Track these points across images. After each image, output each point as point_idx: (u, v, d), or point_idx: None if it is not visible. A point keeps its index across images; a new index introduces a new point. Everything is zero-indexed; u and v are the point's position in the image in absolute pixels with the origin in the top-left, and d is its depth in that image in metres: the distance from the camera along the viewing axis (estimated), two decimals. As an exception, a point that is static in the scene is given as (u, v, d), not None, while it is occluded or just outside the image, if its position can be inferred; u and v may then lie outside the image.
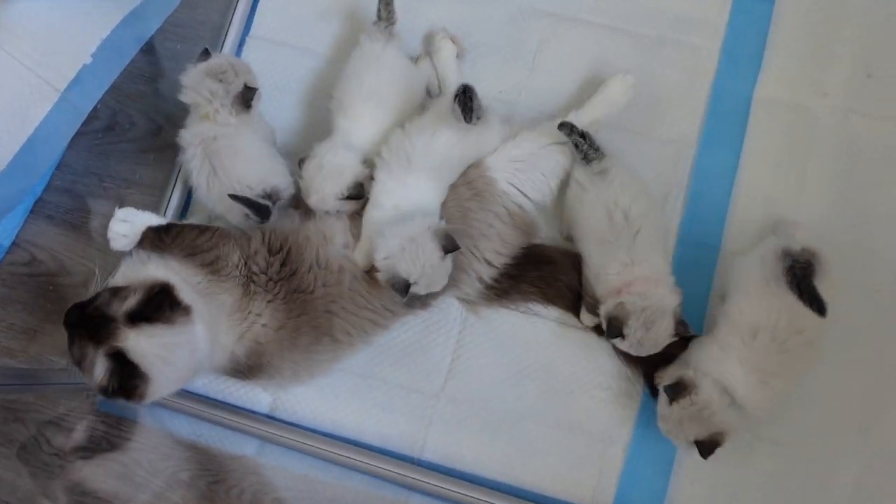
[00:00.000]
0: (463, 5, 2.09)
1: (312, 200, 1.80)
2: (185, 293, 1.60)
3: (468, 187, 1.80)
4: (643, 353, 1.69)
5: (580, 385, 1.89)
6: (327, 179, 1.77)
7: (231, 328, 1.72)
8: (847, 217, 1.90)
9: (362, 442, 1.91)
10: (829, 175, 1.92)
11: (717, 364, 1.66)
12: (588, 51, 2.04)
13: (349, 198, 1.78)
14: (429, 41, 2.04)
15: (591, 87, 2.00)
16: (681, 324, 1.67)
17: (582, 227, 1.77)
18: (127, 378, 1.54)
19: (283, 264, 1.74)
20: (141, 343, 1.54)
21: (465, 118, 1.66)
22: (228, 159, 1.81)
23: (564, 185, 1.85)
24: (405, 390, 1.91)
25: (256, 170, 1.83)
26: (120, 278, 1.66)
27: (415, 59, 1.99)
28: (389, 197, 1.74)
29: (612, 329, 1.68)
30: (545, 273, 1.84)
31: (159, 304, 1.56)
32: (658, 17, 2.05)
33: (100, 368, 1.55)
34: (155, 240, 1.78)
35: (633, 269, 1.69)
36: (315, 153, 1.80)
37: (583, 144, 1.73)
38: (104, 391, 1.55)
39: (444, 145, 1.74)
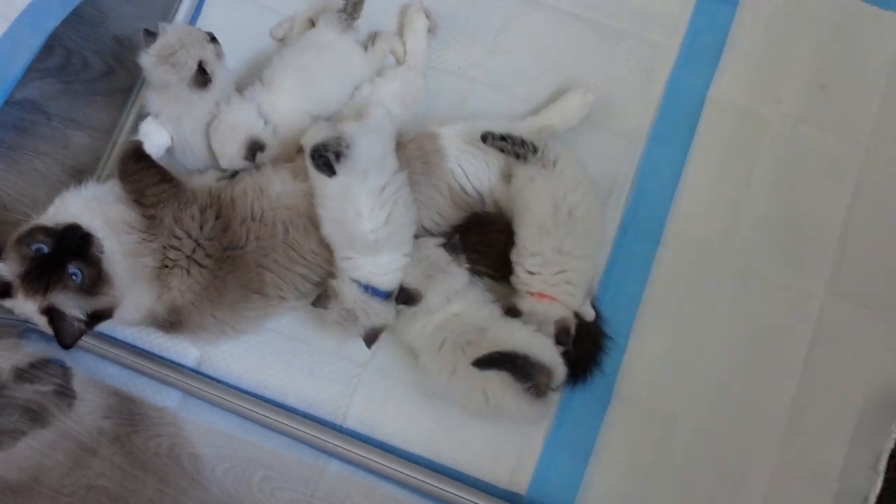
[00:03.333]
0: (431, -19, 2.09)
1: (223, 162, 1.84)
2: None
3: (419, 151, 1.81)
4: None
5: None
6: (226, 139, 1.82)
7: (149, 287, 1.70)
8: (786, 223, 1.92)
9: (286, 404, 1.91)
10: (772, 180, 1.94)
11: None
12: (550, 36, 2.05)
13: (248, 156, 1.81)
14: (403, 12, 2.04)
15: (549, 74, 2.01)
16: (563, 332, 1.72)
17: (524, 211, 1.76)
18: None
19: (216, 218, 1.73)
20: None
21: (328, 174, 1.66)
22: (195, 137, 1.86)
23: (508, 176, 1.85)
24: (334, 356, 1.91)
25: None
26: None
27: (367, 44, 1.98)
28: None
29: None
30: (485, 236, 1.83)
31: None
32: (622, 9, 2.06)
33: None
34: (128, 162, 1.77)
35: (558, 260, 1.71)
36: (216, 113, 1.83)
37: (508, 147, 1.75)
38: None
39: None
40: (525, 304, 1.75)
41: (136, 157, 1.77)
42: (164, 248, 1.71)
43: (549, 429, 1.86)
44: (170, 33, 1.82)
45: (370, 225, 1.68)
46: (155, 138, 1.84)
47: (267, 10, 2.10)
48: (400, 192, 1.71)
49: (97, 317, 1.61)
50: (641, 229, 1.93)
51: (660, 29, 2.04)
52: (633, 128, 1.99)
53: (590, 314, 1.79)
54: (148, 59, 1.81)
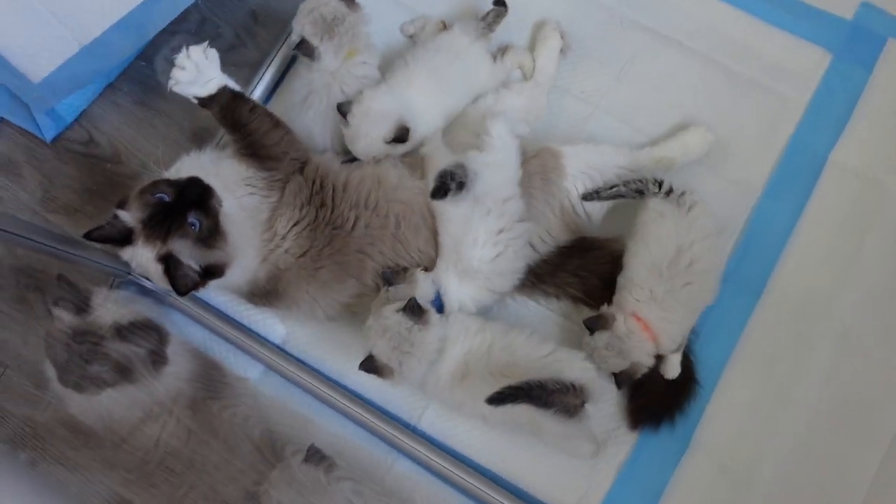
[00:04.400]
0: (568, 4, 2.09)
1: (360, 145, 1.82)
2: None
3: (540, 166, 1.80)
4: (599, 365, 1.71)
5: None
6: (374, 123, 1.79)
7: (258, 249, 1.73)
8: (892, 294, 1.88)
9: (364, 396, 1.92)
10: (885, 254, 1.90)
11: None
12: (678, 74, 2.04)
13: (395, 140, 1.80)
14: (538, 28, 2.05)
15: (670, 111, 2.00)
16: (627, 376, 1.70)
17: (643, 247, 1.74)
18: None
19: (315, 192, 1.76)
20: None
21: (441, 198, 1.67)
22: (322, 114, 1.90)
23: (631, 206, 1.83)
24: (417, 357, 1.90)
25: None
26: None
27: (496, 54, 1.99)
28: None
29: (588, 325, 1.72)
30: (588, 261, 1.83)
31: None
32: (755, 58, 2.04)
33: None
34: (229, 106, 1.73)
35: (656, 310, 1.68)
36: (360, 99, 1.81)
37: (621, 191, 1.77)
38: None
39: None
40: (624, 324, 1.69)
41: (242, 98, 1.76)
42: (277, 205, 1.74)
43: (622, 465, 1.84)
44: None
45: (479, 254, 1.71)
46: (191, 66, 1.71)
47: (402, 6, 2.11)
48: (515, 241, 1.73)
49: (210, 272, 1.63)
50: (743, 281, 1.91)
51: (791, 83, 2.02)
52: (749, 178, 1.97)
53: (674, 371, 1.76)
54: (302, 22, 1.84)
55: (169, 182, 1.62)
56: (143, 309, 1.91)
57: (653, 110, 2.02)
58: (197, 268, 1.61)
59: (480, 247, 1.70)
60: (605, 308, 1.74)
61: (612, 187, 1.77)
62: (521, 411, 1.64)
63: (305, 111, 1.90)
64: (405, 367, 1.65)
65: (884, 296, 1.88)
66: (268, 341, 1.95)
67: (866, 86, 2.00)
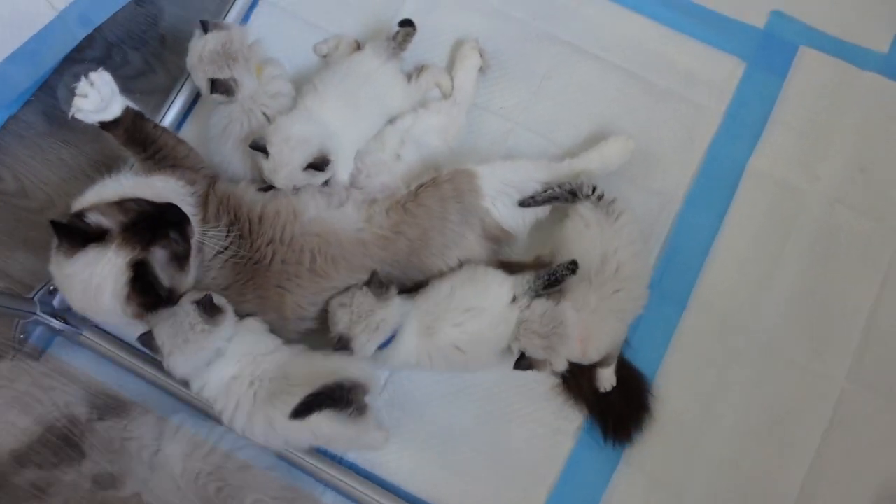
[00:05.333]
0: (482, 17, 2.08)
1: (282, 175, 1.74)
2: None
3: (452, 186, 1.77)
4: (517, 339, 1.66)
5: (519, 415, 1.86)
6: (296, 149, 1.72)
7: (194, 275, 1.66)
8: (813, 303, 1.89)
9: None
10: (804, 258, 1.92)
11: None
12: (595, 87, 2.03)
13: (313, 167, 1.74)
14: (457, 46, 2.03)
15: (589, 123, 2.00)
16: (528, 362, 1.65)
17: (568, 256, 1.72)
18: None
19: (232, 223, 1.71)
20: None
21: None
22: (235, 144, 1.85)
23: (559, 213, 1.82)
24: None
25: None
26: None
27: (412, 74, 1.96)
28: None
29: (545, 286, 1.68)
30: None
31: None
32: (671, 69, 2.04)
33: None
34: (135, 126, 1.71)
35: (591, 317, 1.66)
36: (277, 127, 1.75)
37: (557, 194, 1.76)
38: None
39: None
40: (569, 313, 1.65)
41: (142, 118, 1.73)
42: (202, 225, 1.68)
43: (554, 485, 1.81)
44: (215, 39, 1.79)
45: (453, 335, 1.70)
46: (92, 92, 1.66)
47: (314, 26, 2.07)
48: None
49: (171, 296, 1.57)
50: (668, 292, 1.90)
51: (706, 93, 2.03)
52: (670, 188, 1.97)
53: (608, 383, 1.76)
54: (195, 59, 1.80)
55: (149, 202, 1.57)
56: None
57: (572, 123, 2.01)
58: (165, 284, 1.55)
59: (457, 331, 1.69)
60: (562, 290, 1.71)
61: (546, 190, 1.76)
62: (317, 422, 1.58)
63: (224, 142, 1.84)
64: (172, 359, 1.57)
65: (805, 303, 1.89)
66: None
67: (780, 93, 2.02)
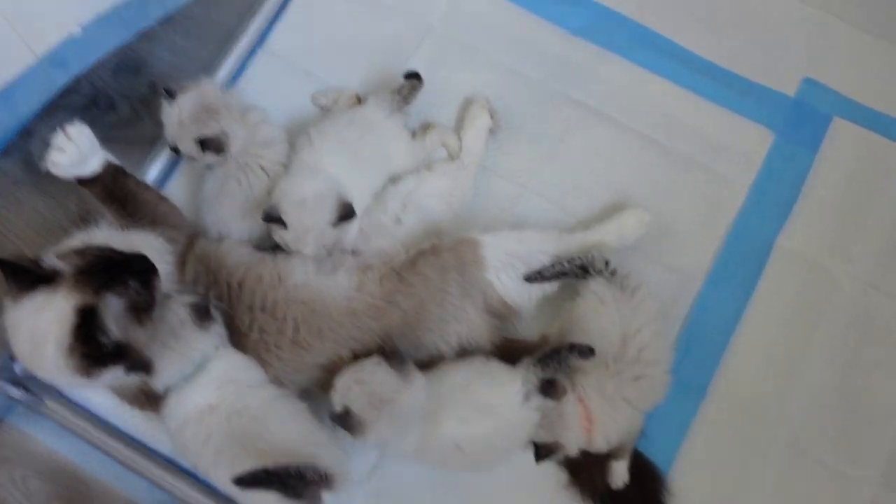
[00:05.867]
0: (494, 74, 1.95)
1: (310, 241, 1.60)
2: None
3: (454, 256, 1.63)
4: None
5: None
6: (316, 209, 1.59)
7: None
8: (844, 397, 1.73)
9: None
10: (835, 346, 1.76)
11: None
12: (612, 152, 1.90)
13: (343, 218, 1.60)
14: (466, 105, 1.90)
15: (604, 191, 1.86)
16: (546, 450, 1.51)
17: (583, 337, 1.57)
18: None
19: (210, 286, 1.58)
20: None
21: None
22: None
23: (569, 289, 1.68)
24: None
25: None
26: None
27: (417, 132, 1.84)
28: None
29: (541, 386, 1.51)
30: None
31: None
32: (694, 136, 1.91)
33: None
34: (116, 182, 1.60)
35: (603, 405, 1.51)
36: (284, 194, 1.61)
37: (566, 269, 1.63)
38: None
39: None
40: (569, 404, 1.52)
41: (123, 173, 1.62)
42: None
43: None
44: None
45: None
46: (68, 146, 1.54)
47: (314, 78, 1.95)
48: None
49: (123, 352, 1.35)
50: (686, 379, 1.72)
51: (732, 163, 1.89)
52: (690, 266, 1.82)
53: (619, 479, 1.61)
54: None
55: (115, 249, 1.41)
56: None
57: (586, 191, 1.87)
58: (115, 337, 1.34)
59: (462, 428, 1.52)
60: (563, 379, 1.55)
61: (554, 265, 1.63)
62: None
63: (221, 203, 1.71)
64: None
65: (835, 397, 1.73)
66: (156, 453, 1.71)
67: (811, 167, 1.88)
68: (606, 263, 1.62)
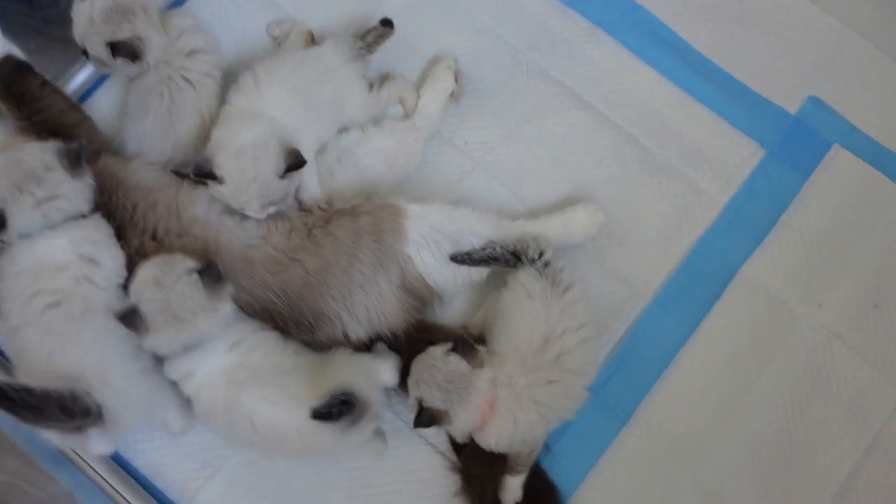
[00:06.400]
0: (469, 33, 1.79)
1: (253, 197, 1.43)
2: None
3: (372, 221, 1.48)
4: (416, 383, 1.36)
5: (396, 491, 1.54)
6: (258, 159, 1.41)
7: None
8: (782, 452, 1.56)
9: (132, 466, 1.56)
10: (782, 395, 1.59)
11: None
12: (581, 141, 1.73)
13: (291, 168, 1.43)
14: (432, 63, 1.73)
15: (564, 183, 1.70)
16: (430, 416, 1.34)
17: (504, 329, 1.44)
18: None
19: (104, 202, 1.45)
20: None
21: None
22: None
23: (497, 281, 1.53)
24: (203, 426, 1.55)
25: None
26: None
27: (374, 83, 1.66)
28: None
29: (456, 342, 1.36)
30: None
31: None
32: (677, 140, 1.73)
33: None
34: (14, 77, 1.48)
35: (510, 400, 1.36)
36: (220, 142, 1.44)
37: (497, 254, 1.48)
38: None
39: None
40: (482, 380, 1.35)
41: (28, 71, 1.49)
42: None
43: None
44: None
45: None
46: None
47: (279, 7, 1.79)
48: None
49: None
50: (610, 401, 1.58)
51: (711, 175, 1.71)
52: (641, 279, 1.65)
53: (512, 497, 1.45)
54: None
55: None
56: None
57: (543, 178, 1.70)
58: None
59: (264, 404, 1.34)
60: (483, 349, 1.40)
61: (485, 248, 1.49)
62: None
63: (141, 119, 1.57)
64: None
65: (772, 450, 1.55)
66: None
67: (798, 194, 1.70)
68: (540, 254, 1.47)
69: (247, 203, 1.43)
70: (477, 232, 1.51)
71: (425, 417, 1.35)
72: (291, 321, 1.47)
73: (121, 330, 1.29)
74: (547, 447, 1.53)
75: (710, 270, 1.65)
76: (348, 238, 1.46)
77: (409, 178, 1.67)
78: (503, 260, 1.48)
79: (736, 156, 1.72)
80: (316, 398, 1.25)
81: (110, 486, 1.51)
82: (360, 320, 1.49)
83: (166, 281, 1.28)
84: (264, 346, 1.37)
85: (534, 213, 1.61)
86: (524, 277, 1.45)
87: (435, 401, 1.34)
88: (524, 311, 1.43)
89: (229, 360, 1.33)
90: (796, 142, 1.73)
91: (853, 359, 1.60)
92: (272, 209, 1.46)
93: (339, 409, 1.24)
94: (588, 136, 1.72)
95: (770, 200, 1.69)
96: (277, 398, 1.31)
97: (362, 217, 1.47)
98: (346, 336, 1.50)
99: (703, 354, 1.60)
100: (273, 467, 1.54)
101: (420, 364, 1.36)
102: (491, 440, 1.39)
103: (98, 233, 1.40)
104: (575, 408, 1.44)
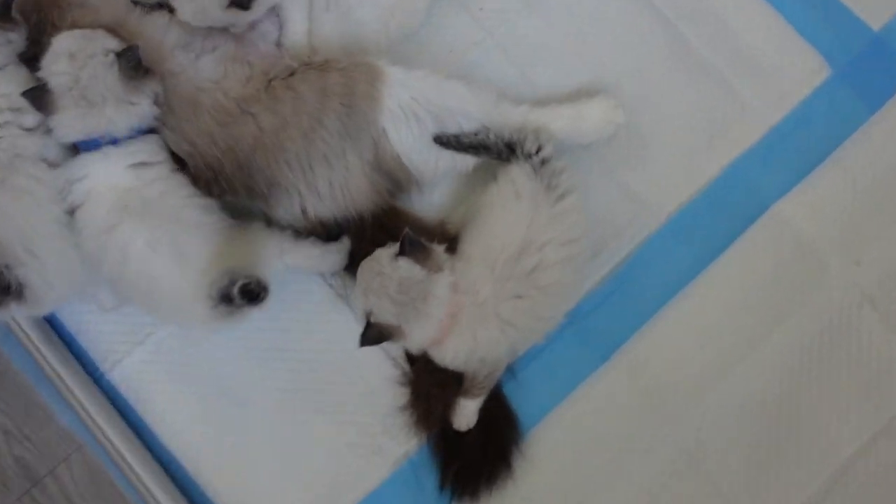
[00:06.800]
0: None
1: (189, 8, 1.23)
2: None
3: (343, 81, 1.25)
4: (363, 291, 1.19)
5: (339, 412, 1.38)
6: None
7: None
8: (781, 419, 1.35)
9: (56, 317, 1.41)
10: (793, 355, 1.37)
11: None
12: (616, 25, 1.47)
13: (235, 5, 1.22)
14: None
15: (586, 71, 1.45)
16: (378, 332, 1.16)
17: (484, 226, 1.25)
18: None
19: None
20: None
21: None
22: None
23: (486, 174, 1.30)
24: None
25: None
26: None
27: None
28: None
29: (404, 241, 1.16)
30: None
31: None
32: (728, 38, 1.46)
33: None
34: None
35: (471, 311, 1.18)
36: None
37: (489, 142, 1.27)
38: None
39: None
40: (441, 287, 1.17)
41: None
42: None
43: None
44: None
45: None
46: None
47: None
48: None
49: None
50: (594, 331, 1.38)
51: (764, 90, 1.44)
52: (655, 198, 1.42)
53: (464, 421, 1.29)
54: None
55: None
56: None
57: (560, 61, 1.45)
58: None
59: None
60: (440, 249, 1.21)
61: (478, 133, 1.27)
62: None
63: None
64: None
65: (769, 414, 1.35)
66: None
67: (859, 128, 1.42)
68: (539, 149, 1.24)
69: (183, 11, 1.23)
70: (468, 112, 1.28)
71: (373, 334, 1.17)
72: (242, 186, 1.27)
73: (50, 191, 1.18)
74: (511, 372, 1.35)
75: (737, 200, 1.41)
76: (312, 97, 1.23)
77: (405, 41, 1.41)
78: (495, 150, 1.26)
79: (797, 71, 1.45)
80: (212, 274, 1.09)
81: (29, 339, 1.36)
82: (322, 195, 1.29)
83: (80, 56, 1.17)
84: (169, 186, 1.21)
85: (541, 102, 1.36)
86: (516, 173, 1.24)
87: (386, 315, 1.15)
88: (507, 210, 1.23)
89: (126, 179, 1.19)
90: (871, 65, 1.45)
91: (883, 329, 1.37)
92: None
93: (238, 295, 1.09)
94: (623, 19, 1.46)
95: (825, 130, 1.43)
96: (162, 246, 1.17)
97: (332, 74, 1.24)
98: (304, 212, 1.30)
99: (710, 296, 1.38)
100: (208, 348, 1.39)
101: (367, 271, 1.17)
102: (447, 356, 1.21)
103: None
104: (543, 331, 1.26)
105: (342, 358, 1.38)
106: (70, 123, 1.18)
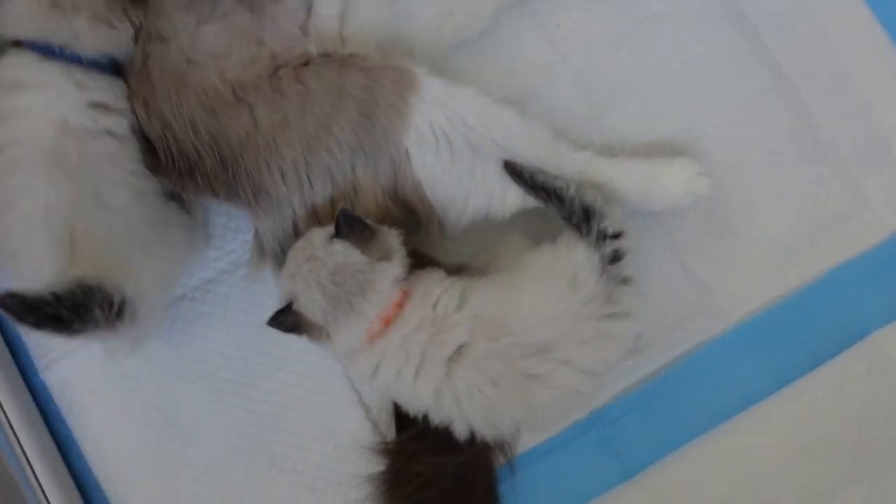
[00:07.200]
0: None
1: None
2: None
3: (367, 84, 1.01)
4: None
5: (300, 474, 1.16)
6: None
7: None
8: None
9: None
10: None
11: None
12: (715, 71, 1.18)
13: None
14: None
15: (673, 122, 1.17)
16: (300, 321, 0.95)
17: (506, 294, 0.98)
18: None
19: None
20: None
21: None
22: None
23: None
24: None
25: None
26: None
27: None
28: None
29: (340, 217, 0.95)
30: None
31: None
32: (858, 114, 1.16)
33: None
34: None
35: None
36: None
37: (564, 195, 0.99)
38: None
39: None
40: (387, 277, 0.95)
41: None
42: None
43: None
44: None
45: None
46: None
47: None
48: None
49: None
50: (619, 441, 1.13)
51: (889, 187, 1.14)
52: (727, 296, 1.14)
53: None
54: None
55: None
56: None
57: (644, 109, 1.17)
58: None
59: None
60: (390, 231, 0.99)
61: (556, 178, 1.00)
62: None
63: None
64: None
65: None
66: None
67: None
68: (618, 235, 0.98)
69: None
70: (514, 148, 1.03)
71: (289, 322, 0.94)
72: (221, 185, 1.04)
73: None
74: (511, 467, 1.10)
75: (830, 317, 1.13)
76: (324, 97, 1.00)
77: (457, 49, 1.17)
78: (567, 207, 0.99)
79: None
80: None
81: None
82: (320, 216, 1.05)
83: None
84: (120, 150, 1.01)
85: (610, 151, 1.10)
86: (584, 258, 0.97)
87: (313, 308, 0.93)
88: (552, 294, 0.96)
89: (79, 118, 0.98)
90: None
91: None
92: None
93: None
94: (733, 72, 1.17)
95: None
96: (56, 217, 0.94)
97: (354, 73, 1.00)
98: (296, 231, 1.06)
99: (772, 428, 1.11)
100: (159, 362, 1.18)
101: (297, 253, 0.95)
102: (364, 369, 0.97)
103: None
104: (529, 418, 0.98)
105: (311, 407, 1.16)
106: (23, 12, 0.97)
